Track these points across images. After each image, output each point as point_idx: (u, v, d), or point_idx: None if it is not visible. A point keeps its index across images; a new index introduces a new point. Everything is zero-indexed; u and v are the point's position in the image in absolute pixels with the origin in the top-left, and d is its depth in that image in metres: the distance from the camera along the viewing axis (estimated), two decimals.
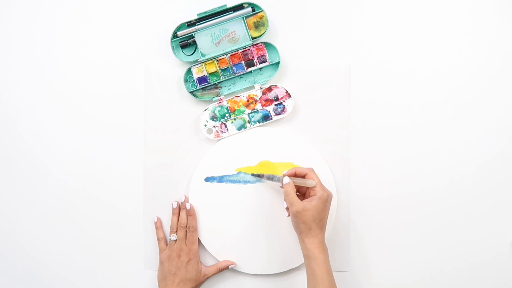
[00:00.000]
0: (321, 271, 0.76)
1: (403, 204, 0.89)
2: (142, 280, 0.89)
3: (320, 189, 0.78)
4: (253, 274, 0.88)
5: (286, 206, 0.80)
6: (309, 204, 0.77)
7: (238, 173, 0.88)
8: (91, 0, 0.90)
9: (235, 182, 0.88)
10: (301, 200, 0.78)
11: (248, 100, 0.89)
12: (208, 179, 0.88)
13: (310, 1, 0.89)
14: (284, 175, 0.80)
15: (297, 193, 0.81)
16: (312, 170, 0.81)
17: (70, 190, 0.90)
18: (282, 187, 0.80)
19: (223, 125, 0.89)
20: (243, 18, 0.86)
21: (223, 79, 0.89)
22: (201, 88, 0.89)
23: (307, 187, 0.80)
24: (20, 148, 0.90)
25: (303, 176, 0.80)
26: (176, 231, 0.87)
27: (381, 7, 0.89)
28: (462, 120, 0.89)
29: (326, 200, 0.78)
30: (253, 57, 0.88)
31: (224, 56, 0.88)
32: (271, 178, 0.84)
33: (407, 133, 0.89)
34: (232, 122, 0.89)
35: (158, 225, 0.88)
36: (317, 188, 0.78)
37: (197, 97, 0.89)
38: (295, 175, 0.81)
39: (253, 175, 0.87)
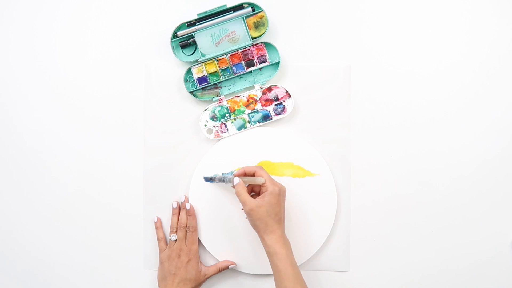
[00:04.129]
0: (284, 266, 0.76)
1: (403, 204, 0.89)
2: (142, 280, 0.89)
3: (271, 184, 0.79)
4: (253, 274, 0.88)
5: (242, 208, 0.80)
6: (261, 200, 0.78)
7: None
8: (91, 0, 0.90)
9: None
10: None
11: (248, 100, 0.89)
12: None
13: (310, 1, 0.89)
14: (234, 175, 0.81)
15: (253, 193, 0.82)
16: (261, 168, 0.81)
17: (70, 190, 0.90)
18: (233, 187, 0.81)
19: (223, 125, 0.89)
20: (243, 18, 0.86)
21: (223, 79, 0.88)
22: (201, 88, 0.89)
23: (260, 186, 0.80)
24: (20, 148, 0.90)
25: (252, 175, 0.81)
26: (176, 231, 0.87)
27: (381, 7, 0.89)
28: (462, 120, 0.89)
29: (279, 194, 0.78)
30: (253, 57, 0.88)
31: (224, 56, 0.88)
32: (222, 179, 0.84)
33: (407, 133, 0.89)
34: (232, 122, 0.89)
35: (158, 225, 0.88)
36: (268, 184, 0.79)
37: (197, 97, 0.89)
38: (244, 175, 0.82)
39: (205, 178, 0.86)
